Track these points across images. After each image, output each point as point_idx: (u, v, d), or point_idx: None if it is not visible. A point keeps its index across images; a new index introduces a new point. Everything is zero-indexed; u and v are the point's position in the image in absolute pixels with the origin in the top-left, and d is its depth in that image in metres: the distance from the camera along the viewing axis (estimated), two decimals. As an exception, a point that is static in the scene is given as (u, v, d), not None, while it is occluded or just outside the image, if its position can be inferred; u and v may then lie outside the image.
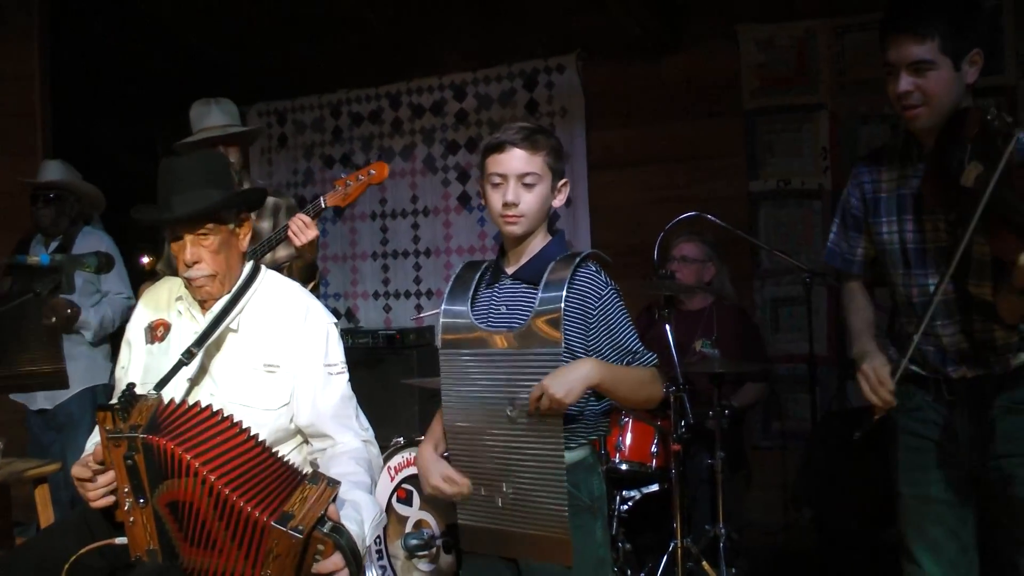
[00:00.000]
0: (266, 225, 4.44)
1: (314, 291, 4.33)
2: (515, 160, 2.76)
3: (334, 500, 2.42)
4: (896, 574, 2.97)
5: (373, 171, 3.95)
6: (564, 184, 2.85)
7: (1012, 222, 2.40)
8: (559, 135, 5.78)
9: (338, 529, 2.38)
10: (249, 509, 2.30)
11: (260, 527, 2.30)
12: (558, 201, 2.85)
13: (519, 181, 2.76)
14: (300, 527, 2.28)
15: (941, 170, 2.62)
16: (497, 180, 2.79)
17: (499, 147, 2.78)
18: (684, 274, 4.89)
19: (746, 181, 5.82)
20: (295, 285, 3.05)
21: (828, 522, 4.68)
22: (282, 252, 4.23)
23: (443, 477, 2.80)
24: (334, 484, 2.44)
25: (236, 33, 6.77)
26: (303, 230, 3.89)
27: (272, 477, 2.42)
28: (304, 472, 2.54)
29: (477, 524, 2.80)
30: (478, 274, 2.92)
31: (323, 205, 3.97)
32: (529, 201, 2.76)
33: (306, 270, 4.14)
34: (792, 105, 5.74)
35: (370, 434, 2.96)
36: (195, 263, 2.79)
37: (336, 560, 2.35)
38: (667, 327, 4.29)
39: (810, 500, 4.84)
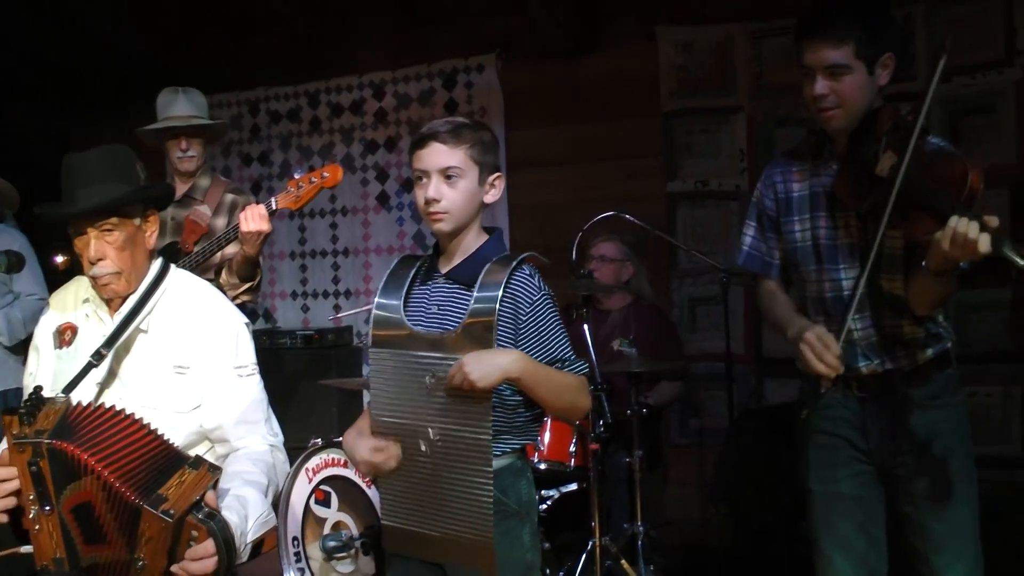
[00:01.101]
0: (221, 223, 4.37)
1: (253, 290, 4.29)
2: (435, 154, 2.69)
3: (214, 487, 2.37)
4: (811, 567, 3.01)
5: (327, 174, 3.87)
6: (497, 178, 2.77)
7: (926, 204, 2.49)
8: (478, 135, 5.82)
9: (213, 515, 2.32)
10: (127, 493, 2.26)
11: (135, 510, 2.26)
12: (491, 196, 2.77)
13: (441, 176, 2.68)
14: (171, 511, 2.24)
15: (855, 163, 2.72)
16: (420, 176, 2.72)
17: (420, 142, 2.72)
18: (602, 273, 4.91)
19: (664, 181, 5.86)
20: (205, 284, 2.96)
21: (745, 517, 4.74)
22: (232, 249, 4.14)
23: (372, 449, 2.71)
24: (215, 470, 2.39)
25: (153, 26, 6.66)
26: (255, 218, 3.81)
27: (158, 463, 2.37)
28: (188, 457, 2.48)
29: (400, 526, 2.78)
30: (413, 270, 2.84)
31: (274, 206, 3.90)
32: (452, 197, 2.68)
33: (247, 266, 4.06)
34: (710, 107, 5.79)
35: (279, 439, 2.89)
36: (99, 260, 2.70)
37: (207, 546, 2.30)
38: (585, 326, 4.32)
39: (727, 496, 4.89)
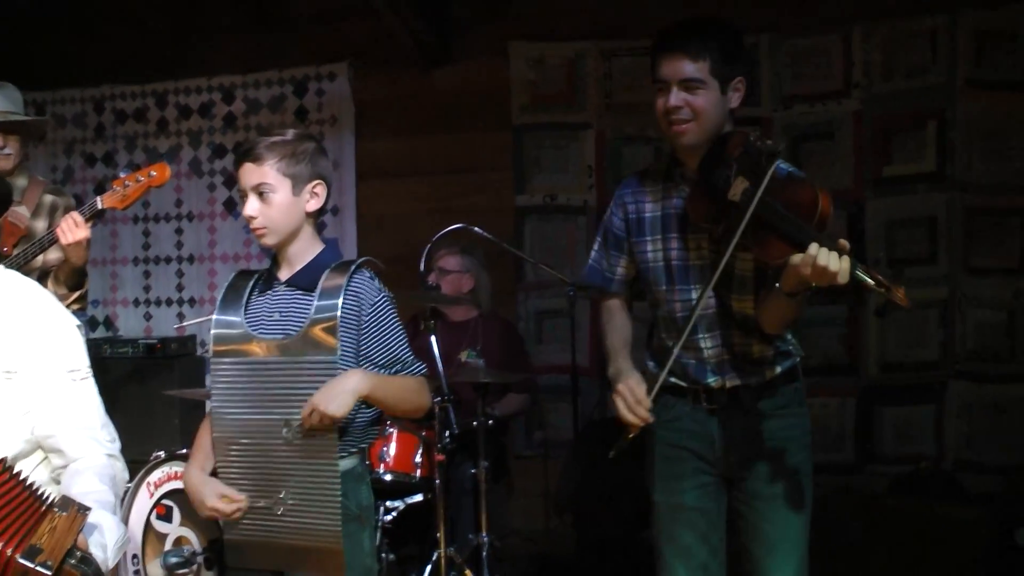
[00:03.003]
0: (41, 225, 4.21)
1: (83, 299, 4.16)
2: (246, 173, 2.78)
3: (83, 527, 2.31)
4: (652, 575, 3.08)
5: (154, 172, 3.80)
6: (317, 186, 2.81)
7: (779, 229, 2.56)
8: (328, 144, 5.81)
9: (87, 560, 2.22)
10: (3, 548, 2.12)
11: (6, 563, 2.13)
12: (312, 205, 2.81)
13: (255, 193, 2.76)
14: (49, 562, 2.12)
15: (707, 187, 2.77)
16: (242, 194, 2.81)
17: (235, 163, 2.82)
18: (444, 285, 4.94)
19: (513, 195, 5.93)
20: (33, 284, 2.81)
21: (588, 527, 4.81)
22: (54, 255, 4.00)
23: (219, 496, 2.74)
24: (84, 511, 2.26)
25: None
26: (72, 229, 3.71)
27: (17, 505, 2.22)
28: (52, 498, 2.38)
29: (245, 538, 2.76)
30: (251, 282, 2.89)
31: (99, 206, 3.80)
32: (267, 212, 2.75)
33: (74, 276, 3.95)
34: (560, 123, 5.88)
35: (116, 447, 2.79)
36: None
37: None
38: (432, 337, 4.33)
39: (571, 506, 4.96)
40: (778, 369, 2.94)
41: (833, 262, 2.41)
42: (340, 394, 2.60)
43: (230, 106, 6.53)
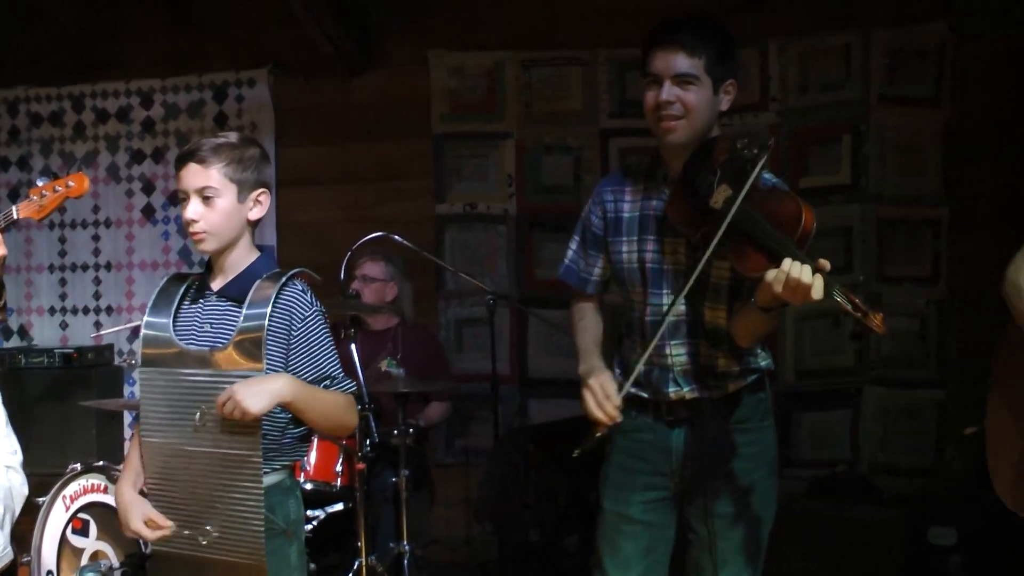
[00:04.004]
0: None
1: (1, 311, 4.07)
2: (192, 175, 2.70)
3: None
4: (574, 580, 3.09)
5: (72, 183, 3.70)
6: (261, 194, 2.77)
7: (758, 241, 2.52)
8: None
9: None
10: None
11: None
12: (255, 213, 2.77)
13: (198, 196, 2.69)
14: None
15: (689, 192, 2.72)
16: (182, 196, 2.73)
17: (179, 161, 2.74)
18: (367, 293, 4.93)
19: (433, 203, 5.93)
20: None
21: (509, 534, 4.82)
22: None
23: (144, 519, 2.69)
24: None
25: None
26: None
27: None
28: None
29: (169, 551, 2.72)
30: (183, 288, 2.82)
31: (15, 216, 3.72)
32: (210, 217, 2.69)
33: None
34: (480, 132, 5.90)
35: (17, 459, 2.74)
36: None
37: None
38: (353, 346, 4.32)
39: (492, 514, 4.97)
40: (742, 382, 2.91)
41: (806, 275, 2.37)
42: (260, 392, 2.54)
43: (148, 110, 6.44)
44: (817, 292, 2.36)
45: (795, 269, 2.38)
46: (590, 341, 3.01)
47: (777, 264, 2.45)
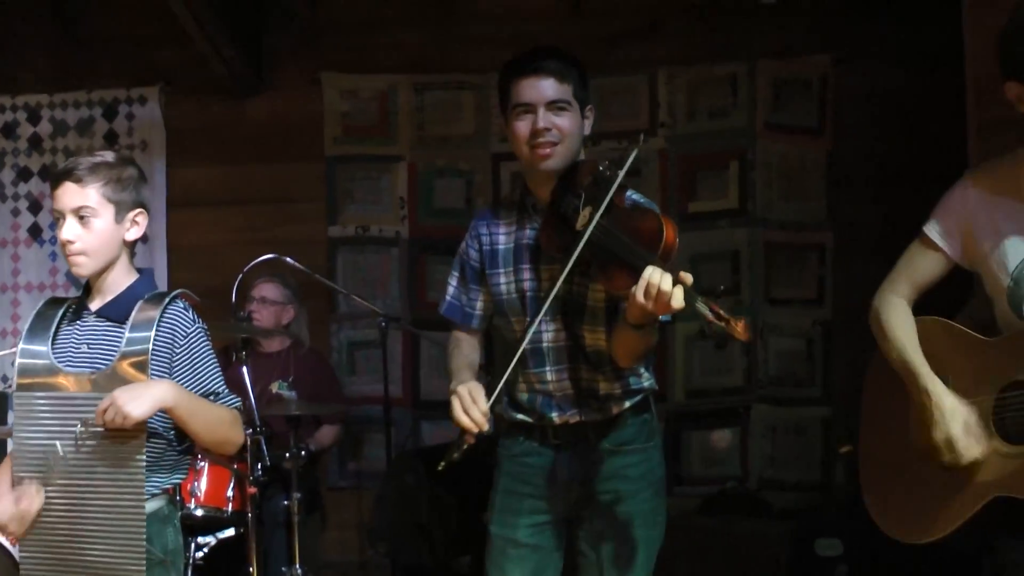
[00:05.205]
0: None
1: None
2: (68, 194, 2.67)
3: None
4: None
5: None
6: (139, 215, 2.75)
7: (622, 258, 2.54)
8: (138, 171, 5.66)
9: None
10: None
11: None
12: (132, 234, 2.75)
13: (75, 216, 2.67)
14: None
15: (558, 217, 2.77)
16: (58, 216, 2.71)
17: (54, 181, 2.70)
18: (263, 316, 4.90)
19: (325, 226, 5.91)
20: None
21: (402, 557, 4.81)
22: None
23: (15, 500, 2.61)
24: None
25: None
26: None
27: None
28: None
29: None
30: (61, 311, 2.78)
31: None
32: (86, 238, 2.67)
33: None
34: (372, 155, 5.89)
35: None
36: None
37: None
38: (244, 369, 4.29)
39: (384, 537, 4.96)
40: (626, 404, 2.92)
41: (666, 283, 2.37)
42: (142, 396, 2.51)
43: (36, 127, 6.28)
44: (677, 301, 2.37)
45: (655, 276, 2.39)
46: (464, 364, 2.98)
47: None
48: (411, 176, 5.86)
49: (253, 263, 4.58)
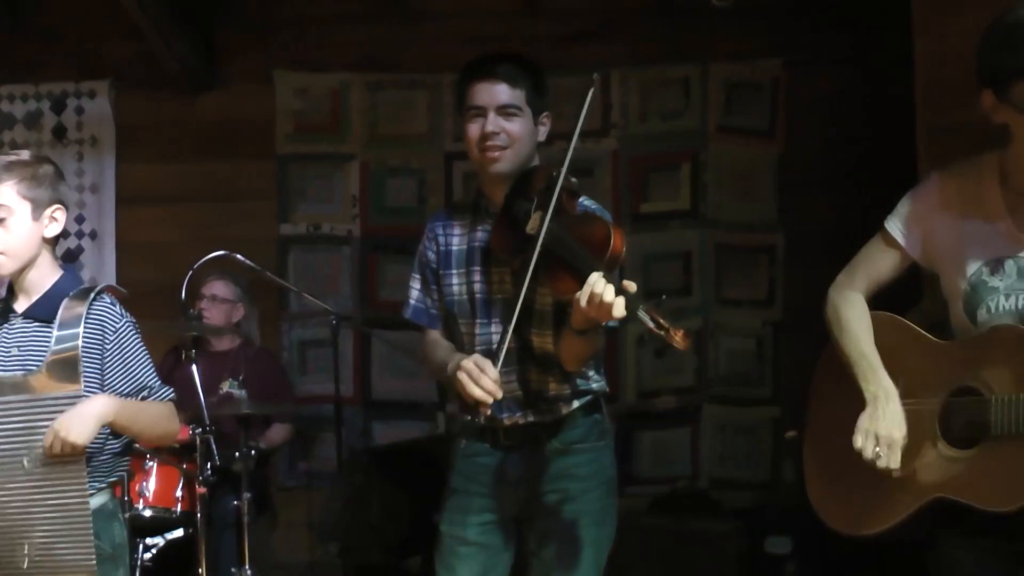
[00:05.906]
0: None
1: None
2: None
3: None
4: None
5: None
6: (56, 211, 2.75)
7: (569, 264, 2.57)
8: (88, 165, 5.63)
9: None
10: None
11: None
12: (51, 230, 2.75)
13: None
14: None
15: (509, 220, 2.80)
16: None
17: None
18: (213, 314, 4.88)
19: (277, 224, 5.87)
20: None
21: (353, 557, 4.80)
22: None
23: None
24: None
25: None
26: None
27: None
28: None
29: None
30: None
31: None
32: (5, 237, 2.67)
33: None
34: (325, 153, 5.87)
35: None
36: None
37: None
38: (194, 367, 4.26)
39: (335, 536, 4.94)
40: (575, 404, 2.94)
41: (608, 294, 2.39)
42: (82, 420, 2.52)
43: (-19, 120, 6.19)
44: (619, 310, 2.39)
45: (599, 285, 2.42)
46: (450, 349, 2.98)
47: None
48: (363, 175, 5.84)
49: (203, 260, 4.54)
